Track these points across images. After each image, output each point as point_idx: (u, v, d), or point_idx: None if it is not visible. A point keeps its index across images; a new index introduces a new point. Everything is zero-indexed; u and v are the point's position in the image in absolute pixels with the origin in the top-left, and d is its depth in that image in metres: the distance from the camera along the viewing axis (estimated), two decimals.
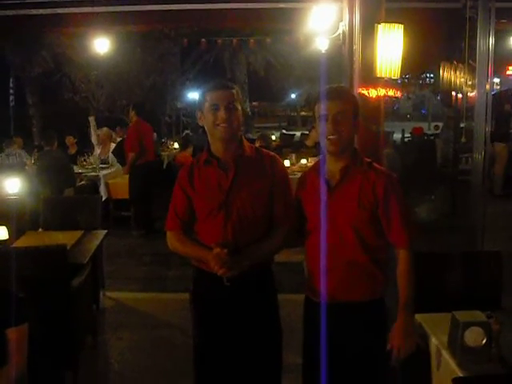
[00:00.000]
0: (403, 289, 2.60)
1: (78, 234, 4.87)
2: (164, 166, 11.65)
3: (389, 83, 4.69)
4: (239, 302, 2.72)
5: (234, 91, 2.70)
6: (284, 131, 21.27)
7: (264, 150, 2.91)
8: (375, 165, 2.69)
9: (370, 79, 4.57)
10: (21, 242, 4.52)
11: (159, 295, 5.97)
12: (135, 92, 15.63)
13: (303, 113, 37.91)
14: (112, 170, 9.41)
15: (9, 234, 4.36)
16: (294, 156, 9.09)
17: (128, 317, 5.37)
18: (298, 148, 10.06)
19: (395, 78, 4.58)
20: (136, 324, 5.20)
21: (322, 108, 2.62)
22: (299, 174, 3.02)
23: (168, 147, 13.49)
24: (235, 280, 2.62)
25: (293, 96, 35.12)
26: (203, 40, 14.55)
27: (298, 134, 17.69)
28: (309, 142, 9.79)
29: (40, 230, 5.38)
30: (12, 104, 19.66)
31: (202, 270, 2.73)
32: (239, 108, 2.70)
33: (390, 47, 4.45)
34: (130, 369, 4.35)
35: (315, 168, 2.79)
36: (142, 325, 5.18)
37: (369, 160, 2.70)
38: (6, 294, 2.76)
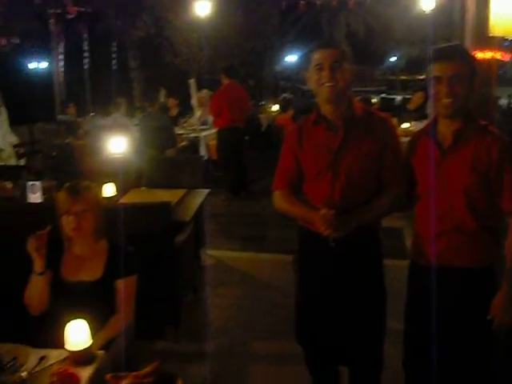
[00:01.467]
0: (510, 259, 2.48)
1: (181, 192, 4.97)
2: (263, 129, 11.68)
3: (498, 45, 4.42)
4: (344, 263, 2.68)
5: (339, 50, 2.62)
6: (384, 95, 20.78)
7: (376, 111, 2.82)
8: (490, 128, 2.54)
9: (483, 39, 4.31)
10: (127, 199, 4.67)
11: (258, 255, 6.02)
12: (235, 55, 15.66)
13: (403, 77, 36.73)
14: (212, 131, 9.53)
15: (116, 190, 4.52)
16: (395, 120, 8.84)
17: (228, 275, 5.47)
18: (398, 112, 9.77)
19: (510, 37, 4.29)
20: (235, 282, 5.29)
21: (435, 69, 2.49)
22: (403, 139, 2.91)
23: (267, 110, 13.49)
24: (341, 241, 2.58)
25: (392, 59, 34.06)
26: (302, 2, 14.30)
27: (398, 98, 17.21)
28: (411, 106, 9.46)
29: (143, 188, 5.53)
30: (114, 68, 20.23)
31: (307, 231, 2.71)
32: (347, 67, 2.62)
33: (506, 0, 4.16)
34: (228, 325, 4.44)
35: (425, 131, 2.68)
36: (241, 283, 5.26)
37: (484, 123, 2.55)
38: (116, 247, 2.86)
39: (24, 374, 2.09)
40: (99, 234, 2.88)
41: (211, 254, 5.84)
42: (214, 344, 4.19)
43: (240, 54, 15.87)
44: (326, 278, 2.72)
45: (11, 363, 2.21)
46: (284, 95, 11.42)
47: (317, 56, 2.61)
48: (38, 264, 2.71)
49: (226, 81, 8.48)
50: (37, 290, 2.73)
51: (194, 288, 4.84)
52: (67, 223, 2.77)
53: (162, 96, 10.54)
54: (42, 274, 2.71)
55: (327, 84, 2.58)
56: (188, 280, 4.59)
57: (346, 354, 2.81)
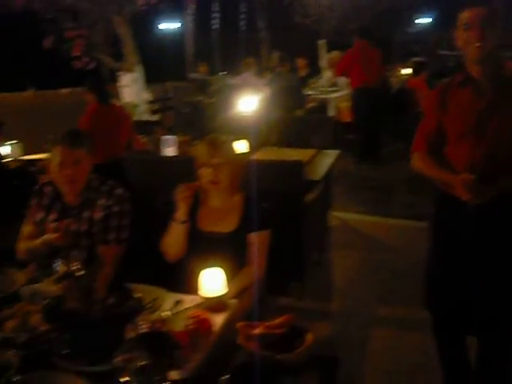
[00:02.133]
0: None
1: (311, 152, 4.97)
2: (393, 92, 11.36)
3: None
4: (485, 227, 2.57)
5: (489, 9, 2.48)
6: None
7: None
8: None
9: None
10: (258, 156, 4.73)
11: (384, 220, 5.95)
12: (366, 16, 15.27)
13: None
14: (342, 93, 9.40)
15: (248, 148, 4.60)
16: None
17: (353, 237, 5.45)
18: None
19: None
20: (360, 245, 5.26)
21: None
22: None
23: (397, 73, 13.08)
24: (481, 208, 2.47)
25: None
26: None
27: None
28: None
29: (273, 146, 5.57)
30: (243, 29, 20.39)
31: (446, 194, 2.62)
32: (496, 27, 2.47)
33: None
34: (352, 287, 4.44)
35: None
36: (365, 246, 5.23)
37: None
38: (251, 201, 2.91)
39: (165, 313, 2.20)
40: (235, 188, 2.94)
41: (337, 216, 5.83)
42: (336, 304, 4.22)
43: (370, 16, 15.44)
44: (465, 243, 2.62)
45: (151, 304, 2.33)
46: (416, 58, 10.99)
47: (465, 15, 2.51)
48: (183, 213, 2.82)
49: (358, 41, 8.31)
50: (176, 238, 2.85)
51: (320, 248, 4.86)
52: (205, 175, 2.85)
53: (275, 59, 10.50)
54: (184, 222, 2.82)
55: (475, 44, 2.47)
56: (314, 239, 4.61)
57: (479, 322, 2.72)
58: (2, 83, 20.31)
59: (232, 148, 3.00)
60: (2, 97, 20.29)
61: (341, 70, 8.46)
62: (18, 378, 1.98)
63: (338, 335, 3.77)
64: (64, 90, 19.89)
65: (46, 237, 2.80)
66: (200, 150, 2.89)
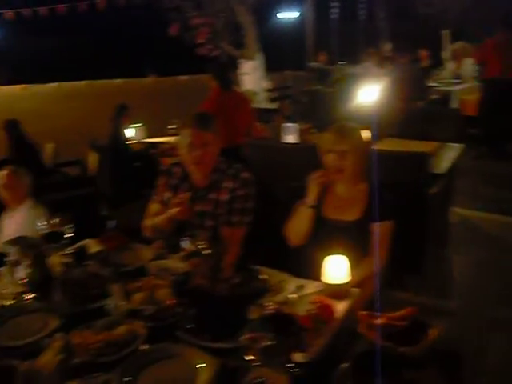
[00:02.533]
0: None
1: (434, 144, 4.81)
2: None
3: None
4: None
5: None
6: None
7: None
8: None
9: None
10: (380, 147, 4.64)
11: (507, 218, 5.66)
12: (493, 6, 14.54)
13: None
14: (465, 85, 9.03)
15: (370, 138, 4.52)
16: None
17: (473, 235, 5.24)
18: None
19: None
20: (481, 243, 5.05)
21: None
22: None
23: None
24: None
25: None
26: None
27: None
28: None
29: (394, 137, 5.45)
30: (362, 18, 20.08)
31: None
32: None
33: None
34: (471, 286, 4.28)
35: None
36: (487, 245, 5.01)
37: None
38: (375, 191, 2.86)
39: (291, 296, 2.21)
40: (359, 177, 2.91)
41: (458, 212, 5.62)
42: (454, 302, 4.08)
43: (498, 5, 14.69)
44: None
45: (276, 286, 2.36)
46: None
47: None
48: (312, 197, 2.83)
49: (503, 32, 7.90)
50: (302, 223, 2.86)
51: (439, 243, 4.71)
52: (329, 162, 2.83)
53: (387, 50, 10.24)
54: (312, 207, 2.83)
55: None
56: (435, 234, 4.47)
57: None
58: (126, 69, 21.32)
59: (359, 137, 2.97)
60: (125, 82, 21.33)
61: (480, 58, 8.11)
62: (144, 347, 2.08)
63: (455, 334, 3.64)
64: (183, 77, 20.60)
65: (170, 211, 2.91)
66: (326, 137, 2.88)
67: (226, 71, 6.02)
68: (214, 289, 2.17)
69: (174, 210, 2.89)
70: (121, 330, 2.14)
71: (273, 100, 9.60)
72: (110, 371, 1.94)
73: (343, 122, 2.99)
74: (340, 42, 16.18)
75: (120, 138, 6.27)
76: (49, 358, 2.00)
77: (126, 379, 1.90)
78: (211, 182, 3.01)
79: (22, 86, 23.21)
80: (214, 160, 3.00)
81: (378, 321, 2.13)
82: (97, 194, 5.40)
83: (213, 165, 3.00)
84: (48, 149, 6.50)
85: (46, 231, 2.78)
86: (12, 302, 2.53)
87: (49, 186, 5.03)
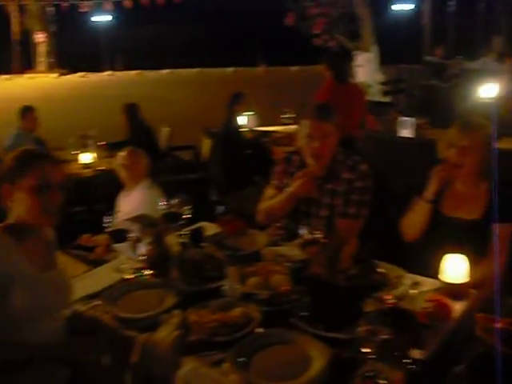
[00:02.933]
0: None
1: None
2: None
3: None
4: None
5: None
6: None
7: None
8: None
9: None
10: (502, 145, 4.44)
11: None
12: None
13: None
14: None
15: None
16: None
17: None
18: None
19: None
20: None
21: None
22: None
23: None
24: None
25: None
26: None
27: None
28: None
29: None
30: (480, 11, 19.27)
31: None
32: None
33: None
34: None
35: None
36: None
37: None
38: (497, 190, 2.74)
39: (412, 292, 2.18)
40: (479, 175, 2.81)
41: None
42: None
43: None
44: None
45: (394, 281, 2.33)
46: None
47: None
48: (432, 192, 2.77)
49: None
50: (419, 218, 2.80)
51: None
52: (450, 157, 2.75)
53: (496, 45, 9.71)
54: (430, 202, 2.77)
55: None
56: None
57: None
58: (237, 59, 21.63)
59: (484, 133, 2.85)
60: (235, 71, 21.62)
61: None
62: (259, 331, 2.12)
63: None
64: (294, 68, 20.62)
65: (290, 188, 2.93)
66: (450, 132, 2.79)
67: (342, 62, 5.97)
68: (332, 279, 2.17)
69: (296, 184, 2.90)
70: (236, 311, 2.19)
71: (386, 93, 9.42)
72: (224, 351, 1.99)
73: (469, 117, 2.89)
74: (457, 35, 15.64)
75: (233, 126, 6.37)
76: (166, 333, 2.07)
77: (240, 360, 1.94)
78: (328, 172, 3.00)
79: (137, 71, 24.07)
80: (332, 151, 2.98)
81: (498, 325, 2.06)
82: (208, 179, 5.55)
83: (331, 156, 2.99)
84: (163, 133, 6.72)
85: (166, 211, 2.89)
86: (132, 276, 2.66)
87: (163, 168, 5.22)
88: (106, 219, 2.80)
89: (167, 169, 5.42)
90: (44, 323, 2.08)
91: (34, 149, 2.19)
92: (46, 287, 2.09)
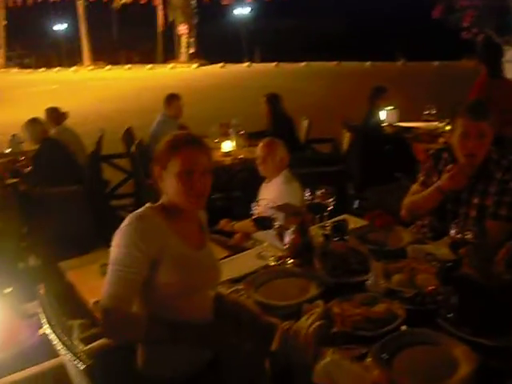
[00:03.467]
0: None
1: None
2: None
3: None
4: None
5: None
6: None
7: None
8: None
9: None
10: None
11: None
12: None
13: None
14: None
15: None
16: None
17: None
18: None
19: None
20: None
21: None
22: None
23: None
24: None
25: None
26: None
27: None
28: None
29: None
30: None
31: None
32: None
33: None
34: None
35: None
36: None
37: None
38: None
39: None
40: None
41: None
42: None
43: None
44: None
45: None
46: None
47: None
48: None
49: None
50: None
51: None
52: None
53: None
54: None
55: None
56: None
57: None
58: (375, 53, 21.29)
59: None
60: (373, 65, 21.30)
61: None
62: (403, 329, 2.08)
63: None
64: (435, 63, 19.96)
65: (439, 182, 2.88)
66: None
67: (496, 57, 5.68)
68: (484, 282, 2.08)
69: (444, 177, 2.84)
70: (380, 307, 2.18)
71: None
72: (367, 346, 1.99)
73: None
74: None
75: (374, 120, 6.29)
76: (308, 323, 2.09)
77: (383, 356, 1.92)
78: (480, 171, 2.88)
79: (275, 63, 24.39)
80: (486, 151, 2.86)
81: None
82: (346, 173, 5.52)
83: (485, 155, 2.87)
84: (303, 124, 6.75)
85: (310, 202, 2.92)
86: (275, 264, 2.72)
87: (302, 160, 5.24)
88: (251, 207, 2.85)
89: (306, 161, 5.43)
90: (192, 301, 2.17)
91: (186, 134, 2.26)
92: (197, 266, 2.17)
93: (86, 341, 1.98)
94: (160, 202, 2.19)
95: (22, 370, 2.42)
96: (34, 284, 2.41)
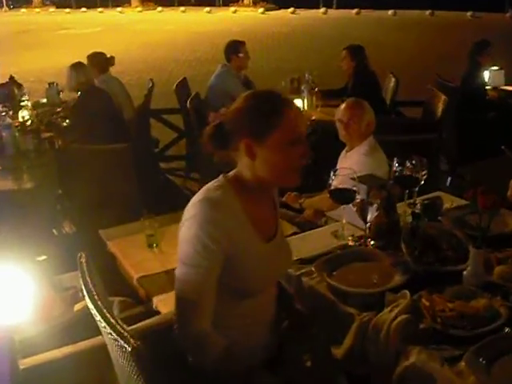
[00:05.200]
0: None
1: None
2: None
3: None
4: None
5: None
6: None
7: None
8: None
9: None
10: None
11: None
12: None
13: None
14: None
15: None
16: None
17: None
18: None
19: None
20: None
21: None
22: None
23: None
24: None
25: None
26: None
27: None
28: None
29: None
30: None
31: None
32: None
33: None
34: None
35: None
36: None
37: None
38: None
39: None
40: None
41: None
42: None
43: None
44: None
45: None
46: None
47: None
48: None
49: None
50: None
51: None
52: None
53: None
54: None
55: None
56: None
57: None
58: (478, 1, 20.67)
59: None
60: (475, 16, 20.70)
61: None
62: (507, 330, 2.06)
63: None
64: None
65: None
66: None
67: None
68: None
69: None
70: (478, 303, 2.15)
71: None
72: (461, 347, 1.96)
73: None
74: None
75: (475, 81, 6.14)
76: (391, 316, 2.09)
77: (480, 361, 1.89)
78: None
79: (356, 10, 24.02)
80: None
81: None
82: (439, 143, 5.40)
83: None
84: (390, 84, 6.60)
85: (398, 175, 2.86)
86: (354, 244, 2.72)
87: (388, 126, 5.14)
88: (326, 178, 2.81)
89: (392, 127, 5.33)
90: (262, 296, 2.15)
91: (278, 94, 2.08)
92: (270, 259, 2.10)
93: (126, 321, 2.00)
94: (235, 174, 2.09)
95: (54, 348, 2.50)
96: (70, 253, 2.47)
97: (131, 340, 1.78)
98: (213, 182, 2.08)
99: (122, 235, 3.79)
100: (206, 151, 2.09)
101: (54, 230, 5.13)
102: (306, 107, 5.92)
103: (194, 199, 2.02)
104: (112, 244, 3.68)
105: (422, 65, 11.57)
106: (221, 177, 2.09)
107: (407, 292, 2.20)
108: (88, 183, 4.93)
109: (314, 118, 5.69)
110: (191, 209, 2.00)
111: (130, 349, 1.76)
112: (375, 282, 2.38)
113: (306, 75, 6.33)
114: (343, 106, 3.93)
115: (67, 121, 5.65)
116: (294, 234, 3.32)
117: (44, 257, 3.52)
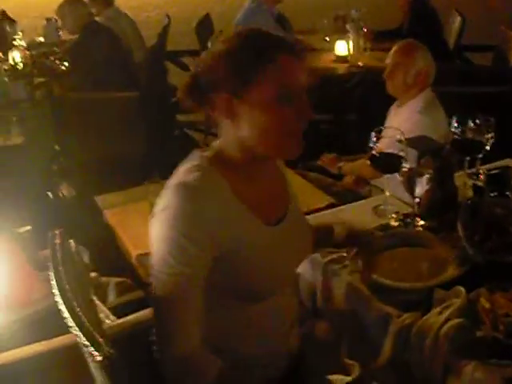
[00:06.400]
0: None
1: None
2: None
3: None
4: None
5: None
6: None
7: None
8: None
9: None
10: None
11: None
12: None
13: None
14: None
15: None
16: None
17: None
18: None
19: None
20: None
21: None
22: None
23: None
24: None
25: None
26: None
27: None
28: None
29: None
30: None
31: None
32: None
33: None
34: None
35: None
36: None
37: None
38: None
39: None
40: None
41: None
42: None
43: None
44: None
45: None
46: None
47: None
48: None
49: None
50: None
51: None
52: None
53: None
54: None
55: None
56: None
57: None
58: None
59: None
60: None
61: None
62: None
63: None
64: None
65: None
66: None
67: None
68: None
69: None
70: None
71: None
72: None
73: None
74: None
75: None
76: (440, 320, 1.96)
77: None
78: None
79: None
80: None
81: None
82: (511, 98, 5.24)
83: None
84: (454, 23, 6.46)
85: (456, 138, 2.75)
86: (398, 224, 2.62)
87: (449, 74, 5.02)
88: (372, 137, 2.67)
89: (456, 75, 5.22)
90: (273, 300, 1.97)
91: (271, 33, 1.85)
92: (279, 245, 1.93)
93: (121, 309, 1.87)
94: (218, 146, 1.90)
95: (31, 342, 2.39)
96: (67, 222, 2.35)
97: (104, 347, 1.65)
98: (189, 157, 1.87)
99: (123, 202, 3.66)
100: (184, 108, 1.88)
101: (49, 193, 5.07)
102: (351, 50, 5.82)
103: (169, 182, 1.82)
104: (109, 213, 3.55)
105: (494, 1, 11.36)
106: (197, 152, 1.89)
107: (462, 289, 2.06)
108: (90, 139, 4.91)
109: (361, 63, 5.63)
110: (164, 196, 1.79)
111: (100, 358, 1.63)
112: (422, 275, 2.28)
113: (353, 12, 6.21)
114: (393, 49, 3.82)
115: (66, 64, 5.54)
116: (332, 205, 3.21)
117: (28, 227, 3.42)
